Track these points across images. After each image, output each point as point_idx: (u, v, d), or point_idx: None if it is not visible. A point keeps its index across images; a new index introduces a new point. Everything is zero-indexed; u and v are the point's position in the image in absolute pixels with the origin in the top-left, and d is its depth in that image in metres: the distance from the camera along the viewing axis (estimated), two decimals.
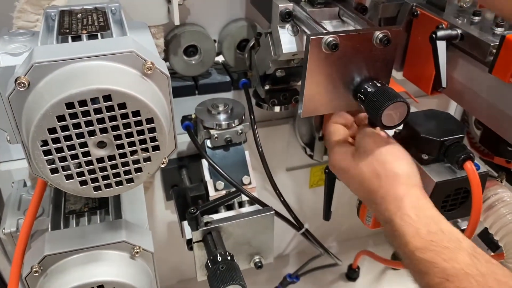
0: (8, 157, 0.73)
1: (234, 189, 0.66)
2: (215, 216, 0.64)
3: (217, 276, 0.54)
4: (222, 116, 0.68)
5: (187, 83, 0.79)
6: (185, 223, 0.67)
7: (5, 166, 0.73)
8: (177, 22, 0.62)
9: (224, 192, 0.68)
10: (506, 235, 0.61)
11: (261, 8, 0.61)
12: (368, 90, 0.51)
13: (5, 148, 0.73)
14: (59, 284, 0.50)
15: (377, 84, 0.51)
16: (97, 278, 0.51)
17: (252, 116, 0.70)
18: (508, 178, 0.80)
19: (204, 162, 0.69)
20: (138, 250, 0.54)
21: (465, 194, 0.61)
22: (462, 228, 0.71)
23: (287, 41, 0.56)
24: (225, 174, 0.66)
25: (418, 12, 0.75)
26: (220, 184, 0.68)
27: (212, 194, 0.68)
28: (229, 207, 0.68)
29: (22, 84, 0.40)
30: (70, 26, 0.48)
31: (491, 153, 0.75)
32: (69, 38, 0.46)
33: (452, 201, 0.62)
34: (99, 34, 0.47)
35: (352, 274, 1.05)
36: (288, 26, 0.56)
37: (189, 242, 0.68)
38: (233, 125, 0.68)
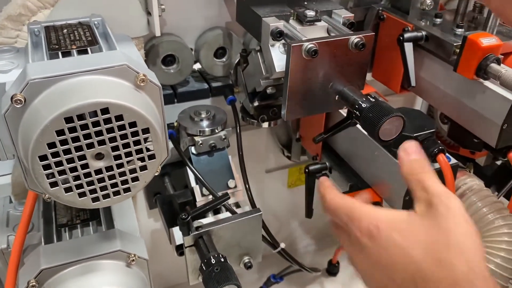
0: None
1: (221, 193, 0.67)
2: (204, 221, 0.65)
3: (213, 277, 0.56)
4: (205, 123, 0.70)
5: (166, 92, 0.80)
6: (175, 229, 0.68)
7: None
8: (158, 33, 0.64)
9: (210, 197, 0.70)
10: (477, 221, 0.66)
11: (249, 26, 0.62)
12: (363, 105, 0.52)
13: None
14: None
15: (371, 99, 0.52)
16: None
17: (238, 131, 0.72)
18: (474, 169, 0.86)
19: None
20: (134, 258, 0.55)
21: None
22: None
23: (279, 59, 0.57)
24: (206, 183, 0.68)
25: (385, 16, 0.80)
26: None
27: (199, 199, 0.70)
28: (216, 211, 0.70)
29: (19, 101, 0.41)
30: (58, 41, 0.49)
31: (458, 145, 0.80)
32: (60, 53, 0.47)
33: None
34: (88, 49, 0.48)
35: (332, 269, 1.09)
36: (279, 44, 0.57)
37: (179, 248, 0.69)
38: (217, 131, 0.70)
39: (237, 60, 0.73)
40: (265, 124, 0.72)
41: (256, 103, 0.69)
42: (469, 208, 0.67)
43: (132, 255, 0.55)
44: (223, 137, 0.70)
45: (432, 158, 0.62)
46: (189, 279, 0.66)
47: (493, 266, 0.66)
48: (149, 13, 0.64)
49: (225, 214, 0.69)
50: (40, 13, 0.60)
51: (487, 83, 0.65)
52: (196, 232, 0.61)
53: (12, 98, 0.41)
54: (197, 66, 0.84)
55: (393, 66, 0.80)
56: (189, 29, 0.78)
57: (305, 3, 0.63)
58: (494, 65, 0.62)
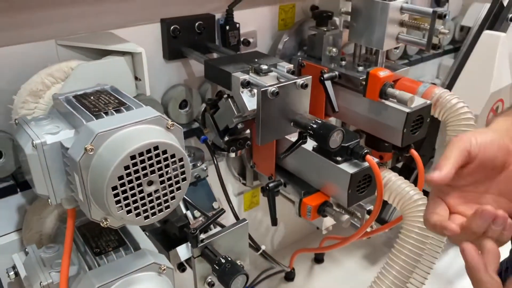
0: None
1: (211, 213, 0.84)
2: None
3: (227, 272, 0.72)
4: (189, 159, 0.87)
5: None
6: (178, 249, 0.83)
7: None
8: (148, 93, 0.80)
9: (201, 218, 0.86)
10: (400, 201, 0.91)
11: (217, 80, 0.82)
12: (314, 126, 0.74)
13: None
14: None
15: (318, 121, 0.75)
16: None
17: (215, 162, 0.90)
18: None
19: None
20: (164, 268, 0.70)
21: (369, 178, 0.89)
22: (368, 208, 0.99)
23: (248, 100, 0.77)
24: (198, 207, 0.85)
25: (304, 63, 1.05)
26: (197, 212, 0.86)
27: (192, 221, 0.85)
28: (205, 230, 0.86)
29: (91, 150, 0.56)
30: (94, 106, 0.64)
31: (374, 150, 1.05)
32: (102, 114, 0.62)
33: (362, 185, 0.89)
34: (122, 108, 0.64)
35: (289, 275, 1.28)
36: (245, 90, 0.78)
37: (181, 265, 0.84)
38: (198, 164, 0.87)
39: (203, 108, 0.92)
40: (232, 154, 0.91)
41: (226, 138, 0.88)
42: (392, 193, 0.91)
43: (163, 266, 0.70)
44: (204, 168, 0.87)
45: (362, 158, 0.86)
46: (196, 287, 0.80)
47: (414, 234, 0.91)
48: (136, 79, 0.81)
49: (213, 231, 0.86)
50: (53, 87, 0.73)
51: (388, 102, 0.92)
52: (202, 244, 0.77)
53: (85, 148, 0.56)
54: None
55: (316, 100, 1.04)
56: (157, 88, 0.96)
57: (256, 60, 0.85)
58: (390, 89, 0.89)
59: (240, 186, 1.16)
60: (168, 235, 0.88)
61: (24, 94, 0.71)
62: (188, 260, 0.86)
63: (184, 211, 0.86)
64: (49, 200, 0.64)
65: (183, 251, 0.83)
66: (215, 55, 0.97)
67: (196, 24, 0.94)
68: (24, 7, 0.75)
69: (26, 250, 0.74)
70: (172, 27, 0.90)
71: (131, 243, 0.74)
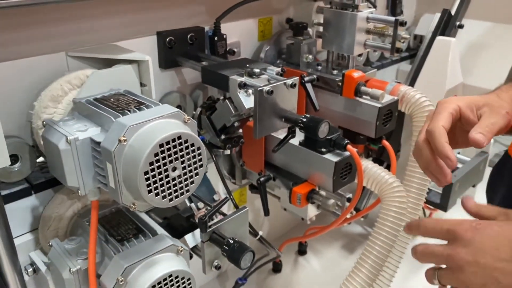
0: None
1: (214, 203, 0.93)
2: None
3: (236, 251, 0.81)
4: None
5: None
6: (187, 237, 0.91)
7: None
8: (154, 97, 0.89)
9: (204, 209, 0.95)
10: (377, 185, 1.03)
11: (215, 83, 0.92)
12: (304, 120, 0.85)
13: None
14: (144, 281, 0.71)
15: (307, 115, 0.86)
16: (167, 270, 0.73)
17: (214, 159, 1.00)
18: None
19: None
20: (182, 249, 0.78)
21: (349, 166, 1.01)
22: (347, 196, 1.11)
23: (245, 100, 0.87)
24: (202, 199, 0.93)
25: (285, 69, 1.16)
26: (201, 204, 0.94)
27: (196, 212, 0.94)
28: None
29: (124, 141, 0.64)
30: (117, 106, 0.73)
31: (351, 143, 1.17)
32: (126, 111, 0.71)
33: (345, 172, 1.01)
34: (143, 107, 0.73)
35: (277, 267, 1.37)
36: (242, 91, 0.88)
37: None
38: None
39: (199, 111, 1.01)
40: (228, 151, 1.01)
41: (223, 137, 0.98)
42: (369, 178, 1.04)
43: (180, 247, 0.78)
44: (206, 164, 0.96)
45: (344, 148, 0.98)
46: (205, 270, 0.89)
47: (392, 213, 1.03)
48: (141, 85, 0.90)
49: (216, 219, 0.94)
50: (70, 93, 0.81)
51: (361, 100, 1.04)
52: (210, 229, 0.86)
53: (119, 139, 0.64)
54: None
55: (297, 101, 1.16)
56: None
57: (247, 65, 0.96)
58: (363, 88, 1.02)
59: (229, 185, 1.25)
60: (173, 228, 0.96)
61: (45, 100, 0.78)
62: (194, 248, 0.95)
63: (188, 204, 0.95)
64: (79, 191, 0.71)
65: (190, 239, 0.91)
66: (204, 64, 1.07)
67: (188, 35, 1.04)
68: (37, 23, 0.83)
69: (50, 243, 0.80)
70: (168, 39, 1.00)
71: (148, 230, 0.81)
